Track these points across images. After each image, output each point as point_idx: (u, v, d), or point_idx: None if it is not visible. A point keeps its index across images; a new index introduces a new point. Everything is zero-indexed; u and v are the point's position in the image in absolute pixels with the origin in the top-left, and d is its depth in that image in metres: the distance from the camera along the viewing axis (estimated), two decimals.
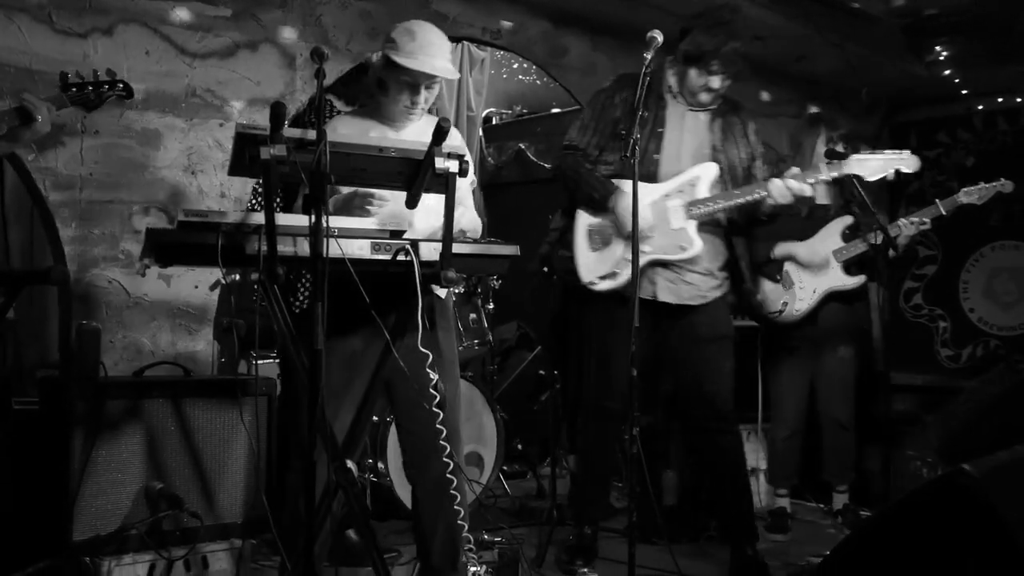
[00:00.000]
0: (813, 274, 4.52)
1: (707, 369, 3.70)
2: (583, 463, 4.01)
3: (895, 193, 7.11)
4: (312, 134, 2.41)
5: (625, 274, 3.62)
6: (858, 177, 3.71)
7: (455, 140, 2.92)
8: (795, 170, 3.61)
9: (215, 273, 3.98)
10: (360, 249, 2.53)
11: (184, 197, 3.96)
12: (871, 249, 4.42)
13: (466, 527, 2.97)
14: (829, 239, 4.54)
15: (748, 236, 4.03)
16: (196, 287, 4.00)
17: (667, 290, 3.67)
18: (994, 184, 4.34)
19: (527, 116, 7.88)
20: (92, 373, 3.21)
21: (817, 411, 4.69)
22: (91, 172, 3.75)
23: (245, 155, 2.41)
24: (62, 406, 3.02)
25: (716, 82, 3.60)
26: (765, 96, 6.21)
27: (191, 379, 3.39)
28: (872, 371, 5.01)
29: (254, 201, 4.18)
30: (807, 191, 3.54)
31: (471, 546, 3.08)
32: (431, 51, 2.89)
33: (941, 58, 5.94)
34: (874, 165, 3.62)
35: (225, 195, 4.08)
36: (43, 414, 3.13)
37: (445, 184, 2.54)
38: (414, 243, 2.57)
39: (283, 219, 2.43)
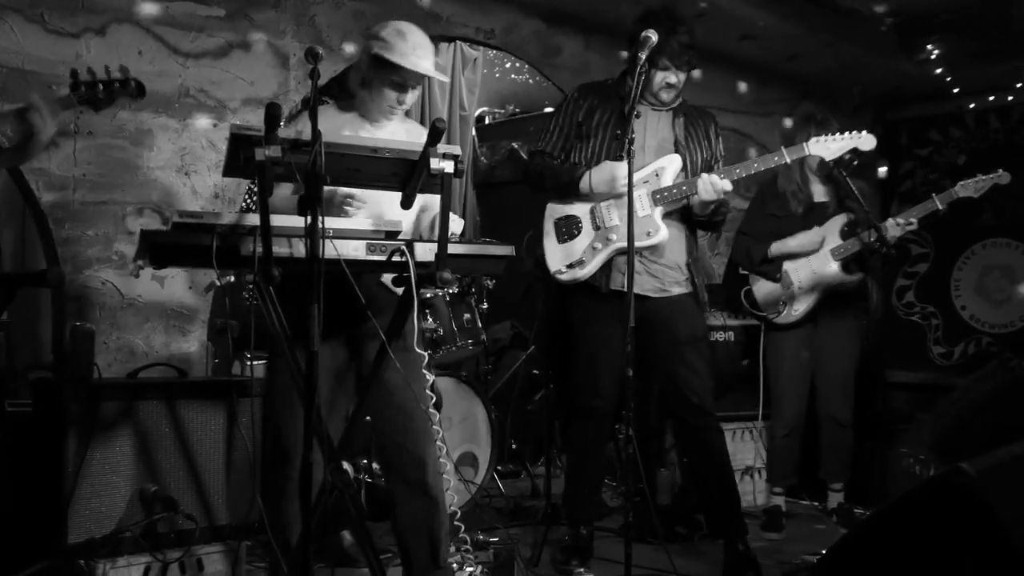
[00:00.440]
0: (812, 273, 4.53)
1: (684, 367, 3.71)
2: (573, 463, 4.02)
3: (887, 192, 7.13)
4: (307, 134, 2.40)
5: (592, 264, 3.66)
6: (819, 158, 3.76)
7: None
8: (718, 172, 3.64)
9: (209, 274, 3.97)
10: (355, 250, 2.53)
11: (177, 198, 3.96)
12: (864, 247, 4.44)
13: (445, 526, 2.96)
14: (828, 235, 4.55)
15: (744, 236, 4.05)
16: (190, 288, 3.99)
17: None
18: (991, 176, 4.34)
19: (520, 115, 7.87)
20: (86, 375, 3.20)
21: (816, 409, 4.70)
22: (84, 173, 3.74)
23: (240, 156, 2.41)
24: (56, 408, 3.01)
25: (672, 77, 3.64)
26: (742, 87, 6.21)
27: (185, 381, 3.38)
28: (868, 369, 5.02)
29: (249, 200, 4.18)
30: (727, 186, 3.53)
31: (468, 546, 3.08)
32: (421, 53, 2.90)
33: (933, 56, 5.96)
34: (833, 146, 3.71)
35: (219, 196, 4.08)
36: (37, 416, 3.12)
37: (440, 185, 2.54)
38: (409, 244, 2.57)
39: (278, 220, 2.42)
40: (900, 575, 1.98)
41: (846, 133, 3.73)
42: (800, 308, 4.55)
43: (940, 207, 4.38)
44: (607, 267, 3.68)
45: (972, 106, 6.80)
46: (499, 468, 5.07)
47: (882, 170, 7.06)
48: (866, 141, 3.72)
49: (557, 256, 3.75)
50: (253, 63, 4.14)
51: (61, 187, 3.69)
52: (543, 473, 4.72)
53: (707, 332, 3.89)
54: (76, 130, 3.69)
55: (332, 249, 2.42)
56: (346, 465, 2.59)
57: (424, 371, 2.68)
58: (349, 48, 4.39)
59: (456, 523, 2.95)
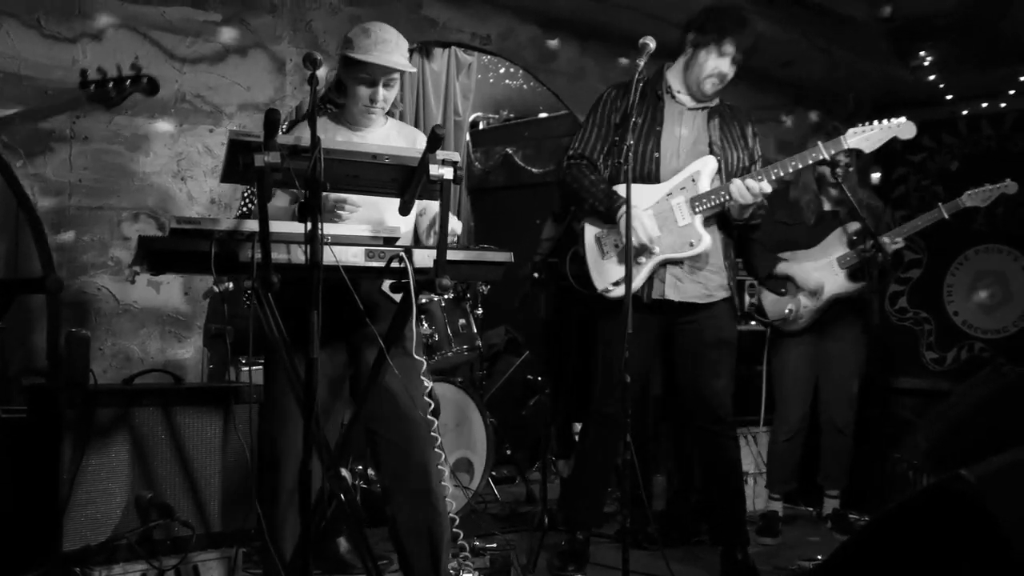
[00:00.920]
0: (818, 280, 4.53)
1: (709, 373, 3.71)
2: (580, 468, 4.00)
3: (881, 198, 7.14)
4: (305, 140, 2.40)
5: (639, 277, 3.63)
6: (858, 152, 3.67)
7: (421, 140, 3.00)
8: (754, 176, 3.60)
9: (205, 280, 3.96)
10: (354, 256, 2.53)
11: (174, 203, 3.94)
12: (859, 257, 4.45)
13: (460, 535, 2.96)
14: (832, 249, 4.56)
15: (755, 246, 4.05)
16: (186, 294, 3.98)
17: (673, 288, 3.67)
18: (999, 186, 4.36)
19: (514, 120, 7.88)
20: (82, 381, 3.18)
21: (817, 414, 4.71)
22: (80, 178, 3.72)
23: (238, 162, 2.40)
24: (51, 414, 3.00)
25: (726, 67, 3.62)
26: (752, 95, 6.23)
27: (181, 387, 3.36)
28: (868, 376, 5.03)
29: (248, 205, 4.16)
30: (766, 188, 3.51)
31: (466, 553, 3.07)
32: (386, 48, 2.90)
33: (926, 63, 5.98)
34: (873, 136, 3.57)
35: (215, 201, 4.07)
36: (32, 422, 3.11)
37: (439, 191, 2.54)
38: (408, 250, 2.57)
39: (277, 226, 2.42)
40: None
41: (884, 122, 3.57)
42: (806, 315, 4.57)
43: (946, 216, 4.40)
44: (650, 278, 3.66)
45: (965, 112, 6.82)
46: (493, 474, 5.07)
47: (875, 176, 7.07)
48: (906, 129, 3.55)
49: (601, 273, 3.71)
50: (249, 68, 4.13)
51: (57, 192, 3.67)
52: (537, 479, 4.72)
53: (736, 338, 3.84)
54: (72, 135, 3.68)
55: (331, 255, 2.41)
56: (344, 472, 2.58)
57: (422, 377, 2.67)
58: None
59: (455, 530, 2.95)
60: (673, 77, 3.75)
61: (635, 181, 3.37)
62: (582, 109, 4.64)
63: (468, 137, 7.54)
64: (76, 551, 2.96)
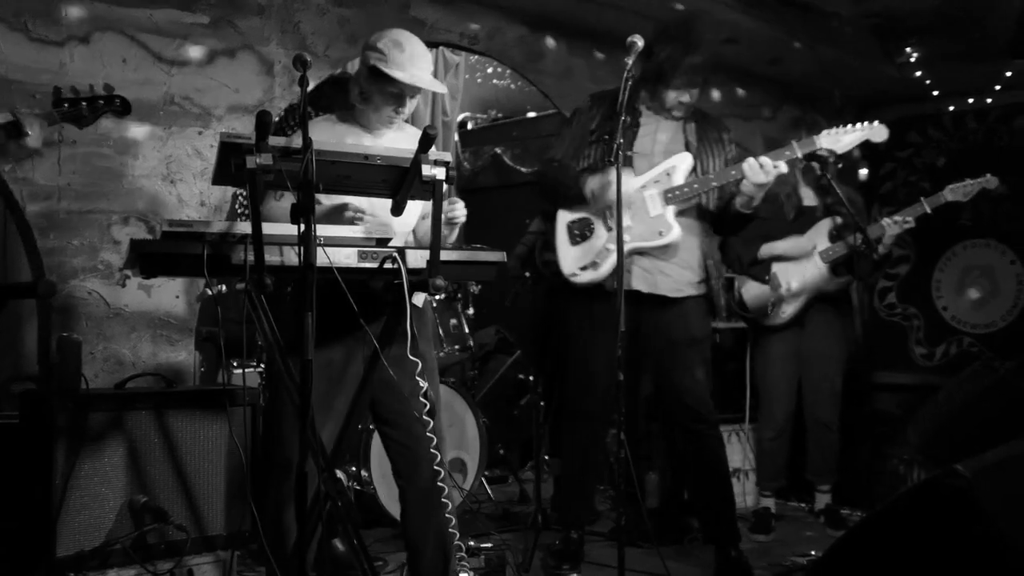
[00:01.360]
0: (800, 275, 4.55)
1: (682, 371, 3.72)
2: (566, 465, 4.02)
3: (868, 194, 7.17)
4: (297, 142, 2.40)
5: (606, 264, 3.64)
6: (831, 152, 3.67)
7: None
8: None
9: (197, 282, 3.94)
10: (347, 258, 2.52)
11: (163, 206, 3.93)
12: (850, 250, 4.46)
13: (457, 535, 2.96)
14: (816, 238, 4.57)
15: (734, 238, 4.05)
16: (177, 297, 3.97)
17: (641, 279, 3.68)
18: (979, 180, 4.38)
19: (502, 120, 7.88)
20: (74, 386, 3.17)
21: (803, 412, 4.72)
22: (69, 182, 3.70)
23: (230, 164, 2.39)
24: (44, 420, 2.99)
25: (685, 96, 3.67)
26: (740, 92, 6.24)
27: (174, 390, 3.36)
28: (854, 371, 5.05)
29: (241, 209, 4.15)
30: (782, 168, 3.53)
31: (462, 554, 3.07)
32: (420, 64, 2.89)
33: (912, 59, 6.00)
34: (845, 139, 3.60)
35: (205, 204, 4.05)
36: (24, 428, 3.10)
37: (432, 191, 2.54)
38: (401, 251, 2.57)
39: (269, 228, 2.41)
40: None
41: (858, 124, 3.62)
42: (788, 310, 4.58)
43: (928, 210, 4.42)
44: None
45: (951, 108, 6.86)
46: (486, 473, 5.07)
47: (863, 172, 7.10)
48: (878, 132, 3.61)
49: (570, 259, 3.74)
50: (238, 70, 4.12)
51: (46, 197, 3.66)
52: (530, 478, 4.72)
53: (710, 336, 3.86)
54: (60, 139, 3.66)
55: (324, 257, 2.41)
56: (340, 473, 2.57)
57: (418, 378, 2.67)
58: (335, 54, 4.37)
59: (451, 530, 2.95)
60: (645, 94, 3.76)
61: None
62: (570, 108, 4.65)
63: (457, 137, 7.53)
64: (70, 557, 2.95)
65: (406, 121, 3.09)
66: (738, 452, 4.98)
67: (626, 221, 3.58)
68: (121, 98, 3.05)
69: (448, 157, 2.57)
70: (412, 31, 3.16)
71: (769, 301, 4.59)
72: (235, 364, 4.11)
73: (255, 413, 3.32)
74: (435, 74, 6.70)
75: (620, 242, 3.15)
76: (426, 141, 2.48)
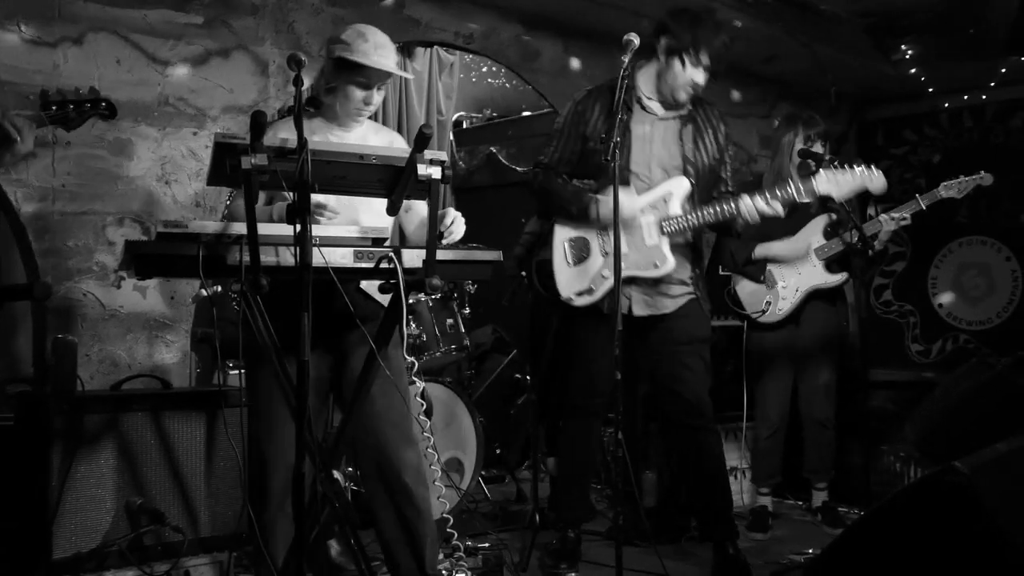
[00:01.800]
0: (796, 272, 4.55)
1: (682, 368, 3.71)
2: (563, 464, 4.01)
3: (864, 191, 7.18)
4: (282, 135, 2.40)
5: (601, 290, 3.64)
6: (829, 198, 3.71)
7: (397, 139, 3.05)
8: (763, 194, 3.58)
9: (191, 283, 3.93)
10: (343, 258, 2.52)
11: (159, 207, 3.92)
12: (846, 247, 4.46)
13: (431, 533, 2.95)
14: (811, 236, 4.57)
15: (728, 235, 4.04)
16: (172, 298, 3.96)
17: (642, 304, 3.68)
18: (974, 177, 4.37)
19: (497, 119, 7.87)
20: (69, 387, 3.17)
21: (798, 408, 4.72)
22: (63, 184, 3.70)
23: (225, 165, 2.39)
24: (39, 422, 2.98)
25: (700, 76, 3.56)
26: (736, 96, 6.25)
27: (170, 392, 3.35)
28: (850, 368, 5.05)
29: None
30: (778, 208, 3.55)
31: (460, 553, 3.07)
32: (384, 53, 2.92)
33: (907, 57, 6.01)
34: (844, 185, 3.60)
35: (200, 204, 4.05)
36: (20, 430, 3.09)
37: (427, 191, 2.53)
38: (397, 250, 2.56)
39: (264, 229, 2.41)
40: (895, 574, 1.99)
41: (857, 169, 3.62)
42: (784, 307, 4.57)
43: (923, 207, 4.42)
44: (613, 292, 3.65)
45: (947, 105, 6.87)
46: (483, 473, 5.06)
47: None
48: (877, 181, 3.62)
49: (566, 280, 3.71)
50: (232, 70, 4.11)
51: (40, 198, 3.65)
52: (527, 477, 4.71)
53: (710, 337, 3.83)
54: (54, 140, 3.65)
55: (320, 257, 2.40)
56: (336, 474, 2.57)
57: (415, 377, 2.67)
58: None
59: (448, 530, 2.94)
60: (644, 83, 3.67)
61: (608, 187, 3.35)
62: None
63: (452, 136, 7.52)
64: (67, 559, 2.95)
65: (370, 118, 3.09)
66: (734, 451, 4.97)
67: (624, 247, 3.56)
68: (107, 101, 3.04)
69: (444, 156, 2.56)
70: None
71: (765, 298, 4.59)
72: (231, 365, 4.10)
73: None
74: (429, 71, 6.75)
75: (617, 240, 3.15)
76: (422, 140, 2.48)
